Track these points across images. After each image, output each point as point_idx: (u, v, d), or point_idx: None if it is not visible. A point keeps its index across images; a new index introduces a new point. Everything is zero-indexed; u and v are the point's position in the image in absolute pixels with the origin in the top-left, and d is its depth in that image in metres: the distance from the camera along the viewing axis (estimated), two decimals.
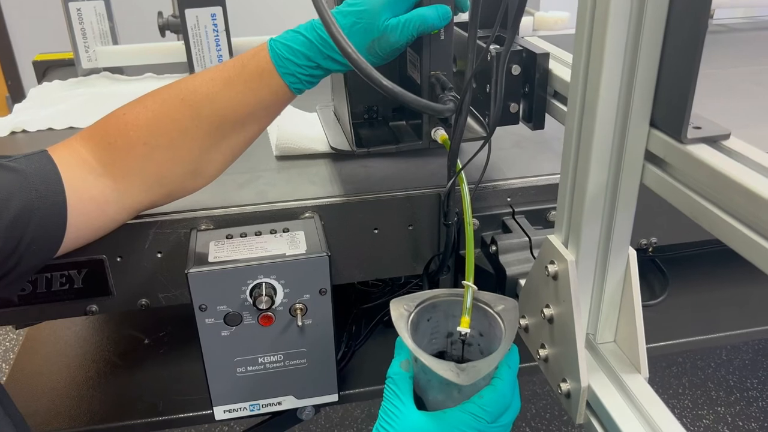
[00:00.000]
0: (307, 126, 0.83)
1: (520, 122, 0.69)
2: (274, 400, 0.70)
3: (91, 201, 0.60)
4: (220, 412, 0.69)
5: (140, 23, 1.43)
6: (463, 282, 0.55)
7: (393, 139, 0.73)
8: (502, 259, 0.68)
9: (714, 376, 1.55)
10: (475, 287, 0.55)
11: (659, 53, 0.45)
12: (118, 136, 0.61)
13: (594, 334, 0.58)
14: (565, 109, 0.64)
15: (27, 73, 2.45)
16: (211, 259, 0.62)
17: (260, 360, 0.67)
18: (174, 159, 0.61)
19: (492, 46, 0.62)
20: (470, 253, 0.56)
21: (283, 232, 0.66)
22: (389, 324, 0.91)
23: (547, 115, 0.69)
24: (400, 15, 0.60)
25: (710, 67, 1.06)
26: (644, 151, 0.49)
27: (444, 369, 0.48)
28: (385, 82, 0.51)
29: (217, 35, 1.06)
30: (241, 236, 0.65)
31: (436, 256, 0.73)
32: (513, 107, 0.67)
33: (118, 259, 0.68)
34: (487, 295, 0.56)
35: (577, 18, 0.47)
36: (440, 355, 0.59)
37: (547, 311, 0.57)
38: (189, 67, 1.08)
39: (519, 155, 0.80)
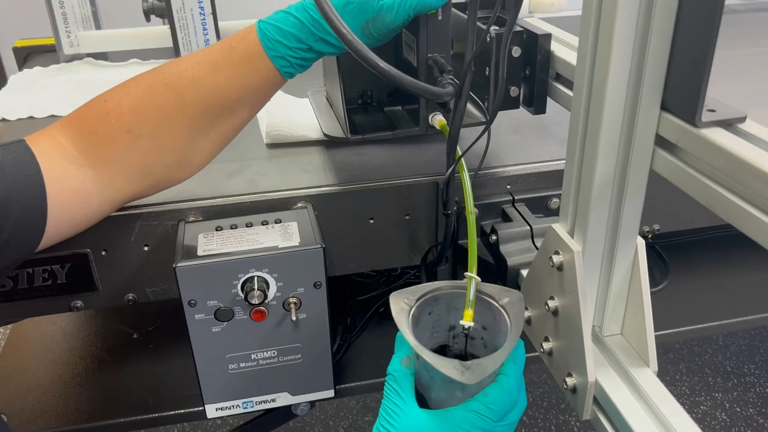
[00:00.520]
0: (298, 112, 0.81)
1: (520, 107, 0.67)
2: (268, 397, 0.67)
3: (72, 193, 0.57)
4: (212, 410, 0.67)
5: (124, 7, 1.39)
6: (465, 274, 0.52)
7: (389, 125, 0.71)
8: (503, 248, 0.65)
9: (711, 361, 1.55)
10: (479, 278, 0.52)
11: (672, 31, 0.43)
12: (99, 124, 0.58)
13: (600, 326, 0.56)
14: (568, 92, 0.61)
15: (7, 60, 2.39)
16: (200, 252, 0.60)
17: (253, 356, 0.64)
18: (159, 147, 0.59)
19: (491, 28, 0.60)
20: (472, 243, 0.54)
21: (275, 223, 0.63)
22: (385, 315, 0.89)
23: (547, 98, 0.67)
24: None
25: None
26: (654, 135, 0.47)
27: (448, 367, 0.46)
28: (382, 64, 0.48)
29: (204, 19, 1.03)
30: (232, 228, 0.63)
31: (434, 246, 0.70)
32: (513, 91, 0.65)
33: (103, 253, 0.65)
34: (490, 287, 0.53)
35: None
36: (442, 349, 0.57)
37: (551, 303, 0.55)
38: (175, 52, 1.05)
39: (518, 141, 0.78)
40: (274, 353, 0.65)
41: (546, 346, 0.58)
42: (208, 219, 0.65)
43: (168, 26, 1.05)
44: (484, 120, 0.67)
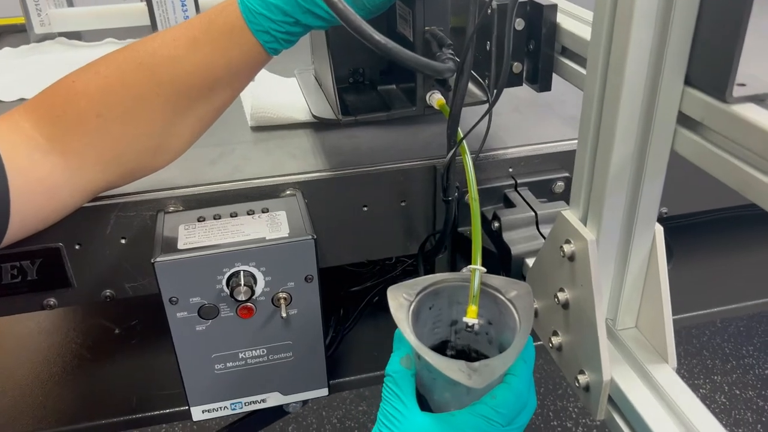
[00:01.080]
0: (285, 92, 0.77)
1: (523, 83, 0.62)
2: (258, 398, 0.64)
3: (39, 183, 0.52)
4: (198, 413, 0.63)
5: None
6: (469, 267, 0.48)
7: (383, 105, 0.66)
8: (506, 236, 0.61)
9: (709, 344, 1.53)
10: (484, 269, 0.48)
11: None
12: (67, 107, 0.53)
13: (613, 319, 0.53)
14: (576, 67, 0.57)
15: None
16: (180, 245, 0.55)
17: (241, 355, 0.60)
18: (133, 132, 0.54)
19: None
20: (476, 231, 0.50)
21: (262, 212, 0.59)
22: (380, 305, 0.85)
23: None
24: None
25: None
26: (677, 113, 0.43)
27: (454, 370, 0.42)
28: (378, 36, 0.43)
29: None
30: (215, 218, 0.59)
31: (432, 235, 0.66)
32: (516, 67, 0.60)
33: (77, 247, 0.61)
34: (496, 280, 0.49)
35: None
36: (443, 344, 0.53)
37: (561, 296, 0.51)
38: (152, 30, 1.00)
39: (519, 121, 0.74)
40: (263, 352, 0.61)
41: (555, 340, 0.54)
42: (190, 209, 0.61)
43: (145, 3, 1.00)
44: (485, 99, 0.62)
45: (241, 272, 0.55)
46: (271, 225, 0.57)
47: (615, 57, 0.42)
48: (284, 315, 0.58)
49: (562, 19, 0.59)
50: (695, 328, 1.56)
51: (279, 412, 0.73)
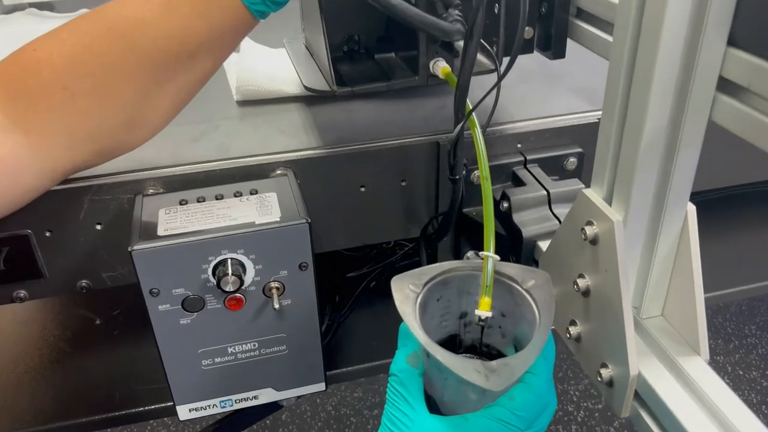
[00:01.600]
0: (273, 63, 0.72)
1: (534, 50, 0.57)
2: (250, 394, 0.59)
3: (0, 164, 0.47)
4: (184, 412, 0.58)
5: None
6: (481, 253, 0.44)
7: (381, 74, 0.61)
8: (516, 217, 0.57)
9: (711, 323, 1.50)
10: (497, 257, 0.44)
11: None
12: (28, 79, 0.48)
13: (638, 307, 0.48)
14: (594, 30, 0.52)
15: None
16: (161, 231, 0.50)
17: (230, 350, 0.56)
18: (104, 106, 0.48)
19: None
20: (489, 214, 0.45)
21: (251, 194, 0.54)
22: (377, 291, 0.81)
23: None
24: None
25: None
26: (717, 78, 0.38)
27: (469, 370, 0.37)
28: None
29: None
30: (199, 201, 0.54)
31: (434, 217, 0.62)
32: (528, 32, 0.55)
33: (48, 234, 0.56)
34: (511, 268, 0.44)
35: None
36: (452, 339, 0.49)
37: (581, 282, 0.47)
38: None
39: (527, 92, 0.69)
40: (254, 345, 0.56)
41: (573, 330, 0.50)
42: (171, 191, 0.56)
43: None
44: (492, 68, 0.57)
45: (229, 260, 0.51)
46: (261, 208, 0.53)
47: (649, 15, 0.37)
48: (277, 306, 0.53)
49: None
50: None
51: (272, 406, 0.69)
